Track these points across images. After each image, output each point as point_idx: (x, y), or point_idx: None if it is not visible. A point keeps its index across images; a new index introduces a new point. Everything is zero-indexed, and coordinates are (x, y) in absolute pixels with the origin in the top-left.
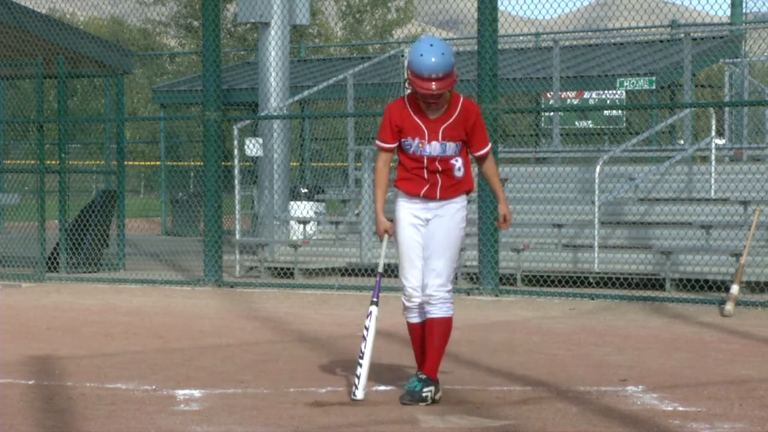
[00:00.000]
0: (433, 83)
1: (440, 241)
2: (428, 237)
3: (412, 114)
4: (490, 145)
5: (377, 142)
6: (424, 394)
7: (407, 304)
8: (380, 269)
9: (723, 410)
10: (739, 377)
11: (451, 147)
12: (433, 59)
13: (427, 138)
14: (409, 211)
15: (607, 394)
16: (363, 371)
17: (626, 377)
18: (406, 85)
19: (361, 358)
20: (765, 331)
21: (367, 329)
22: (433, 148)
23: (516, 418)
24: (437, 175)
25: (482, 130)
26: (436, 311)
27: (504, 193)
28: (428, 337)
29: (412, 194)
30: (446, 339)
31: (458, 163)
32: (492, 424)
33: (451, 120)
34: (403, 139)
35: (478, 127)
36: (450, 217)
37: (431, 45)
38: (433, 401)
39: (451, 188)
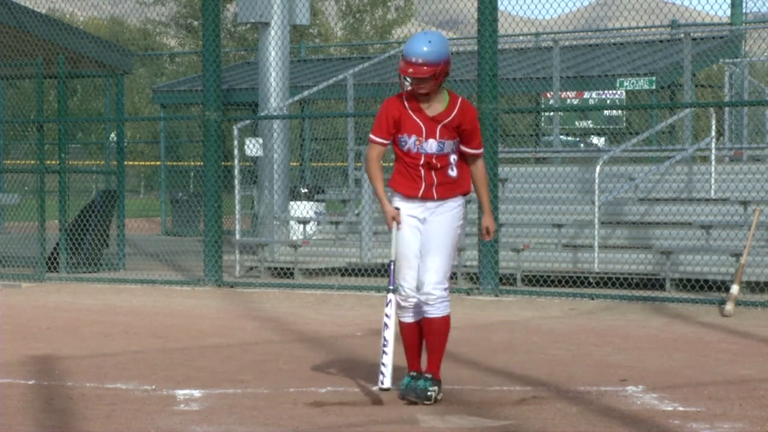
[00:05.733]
0: (411, 68)
1: (438, 239)
2: (426, 235)
3: (410, 111)
4: (482, 150)
5: (372, 136)
6: (429, 393)
7: (403, 304)
8: (393, 257)
9: (723, 410)
10: (739, 377)
11: (448, 145)
12: (421, 45)
13: (424, 136)
14: (406, 211)
15: (607, 394)
16: (388, 360)
17: (626, 377)
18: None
19: (385, 346)
20: (765, 331)
21: (388, 317)
22: (430, 146)
23: (516, 418)
24: (432, 174)
25: (478, 134)
26: (434, 311)
27: (490, 204)
28: (429, 337)
29: (410, 196)
30: (446, 338)
31: (454, 161)
32: (492, 424)
33: (448, 119)
34: (399, 136)
35: (475, 131)
36: (449, 214)
37: (426, 35)
38: (435, 401)
39: (448, 187)
